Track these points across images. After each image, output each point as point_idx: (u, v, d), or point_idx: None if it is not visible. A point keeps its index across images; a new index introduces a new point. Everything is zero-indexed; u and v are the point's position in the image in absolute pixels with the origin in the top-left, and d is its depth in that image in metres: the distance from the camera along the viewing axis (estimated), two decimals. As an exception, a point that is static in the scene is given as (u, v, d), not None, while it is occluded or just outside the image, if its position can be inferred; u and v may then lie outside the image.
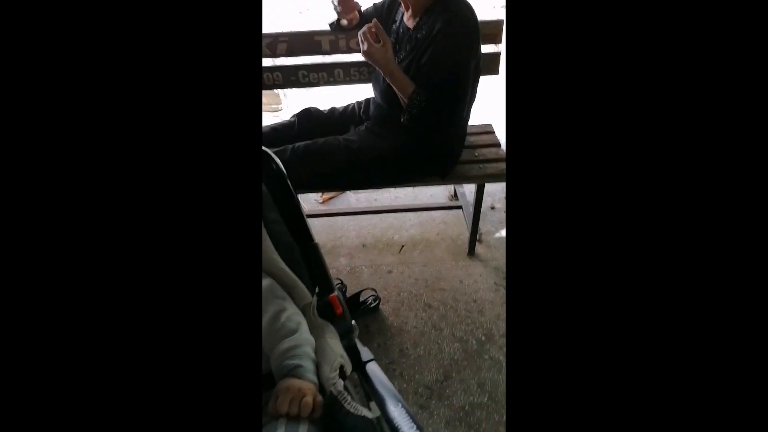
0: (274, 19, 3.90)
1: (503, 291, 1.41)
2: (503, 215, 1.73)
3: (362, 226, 1.70)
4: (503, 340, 1.26)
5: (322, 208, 1.78)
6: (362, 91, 1.40)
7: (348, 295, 1.39)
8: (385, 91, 1.17)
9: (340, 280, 1.41)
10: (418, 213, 1.71)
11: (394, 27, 1.21)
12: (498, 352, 1.24)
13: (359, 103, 1.39)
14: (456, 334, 1.29)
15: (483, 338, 1.28)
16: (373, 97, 1.28)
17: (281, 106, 2.76)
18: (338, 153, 1.21)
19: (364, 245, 1.62)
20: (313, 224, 1.73)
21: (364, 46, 1.04)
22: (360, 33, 1.04)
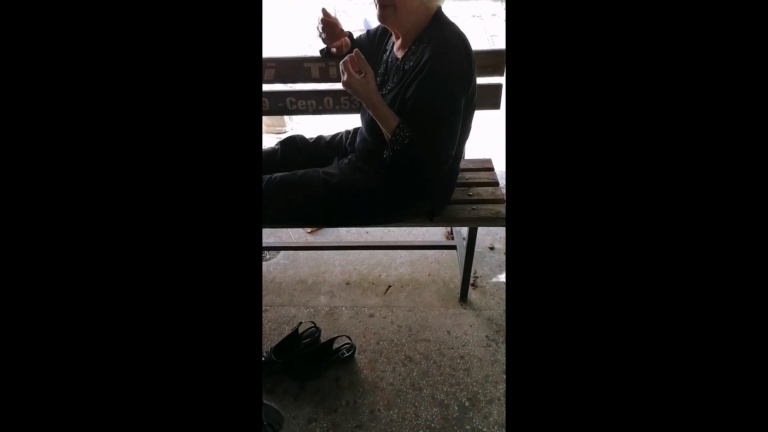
0: (297, 40, 3.94)
1: (494, 347, 1.26)
2: (503, 257, 1.60)
3: (349, 261, 1.59)
4: (489, 408, 1.11)
5: (310, 240, 1.69)
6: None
7: (322, 340, 1.27)
8: (369, 123, 1.09)
9: (314, 323, 1.29)
10: (411, 250, 1.60)
11: (384, 56, 1.13)
12: (482, 422, 1.08)
13: (348, 132, 1.30)
14: (437, 396, 1.15)
15: (466, 403, 1.13)
16: (360, 129, 1.19)
17: (285, 129, 2.72)
18: (316, 187, 1.11)
19: (348, 283, 1.51)
20: (298, 257, 1.64)
21: (344, 77, 0.96)
22: (341, 63, 0.96)
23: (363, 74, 0.96)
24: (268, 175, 1.14)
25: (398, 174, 1.07)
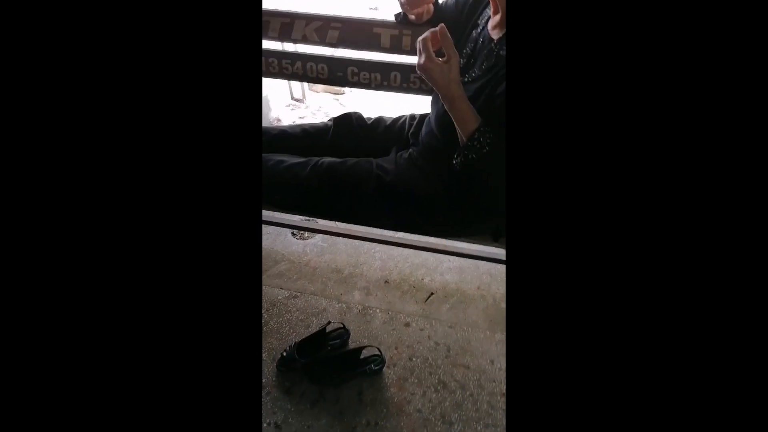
0: (343, 12, 3.62)
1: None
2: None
3: (390, 257, 1.45)
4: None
5: (352, 226, 1.55)
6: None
7: (350, 345, 1.17)
8: (441, 117, 0.89)
9: (343, 325, 1.18)
10: (461, 257, 1.42)
11: (474, 34, 0.90)
12: (515, 480, 0.95)
13: (412, 118, 1.11)
14: (467, 436, 1.02)
15: (500, 452, 0.99)
16: (429, 118, 1.00)
17: (344, 90, 2.54)
18: (367, 182, 0.95)
19: (386, 281, 1.37)
20: (336, 241, 1.51)
21: (420, 59, 0.75)
22: (419, 40, 0.76)
23: (446, 58, 0.75)
24: (315, 159, 0.99)
25: (464, 186, 0.88)
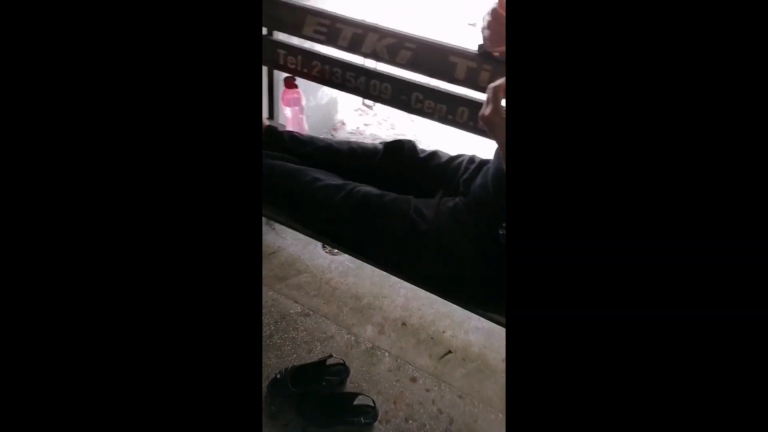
0: (439, 29, 3.51)
1: None
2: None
3: (416, 297, 1.33)
4: None
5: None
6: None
7: (347, 386, 1.08)
8: (500, 174, 0.76)
9: (343, 362, 1.09)
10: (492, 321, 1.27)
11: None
12: None
13: (470, 162, 0.98)
14: None
15: None
16: (487, 168, 0.87)
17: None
18: (399, 225, 0.85)
19: (404, 323, 1.26)
20: (363, 266, 1.42)
21: (486, 108, 0.64)
22: (490, 87, 0.64)
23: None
24: (352, 185, 0.91)
25: (504, 260, 0.74)
